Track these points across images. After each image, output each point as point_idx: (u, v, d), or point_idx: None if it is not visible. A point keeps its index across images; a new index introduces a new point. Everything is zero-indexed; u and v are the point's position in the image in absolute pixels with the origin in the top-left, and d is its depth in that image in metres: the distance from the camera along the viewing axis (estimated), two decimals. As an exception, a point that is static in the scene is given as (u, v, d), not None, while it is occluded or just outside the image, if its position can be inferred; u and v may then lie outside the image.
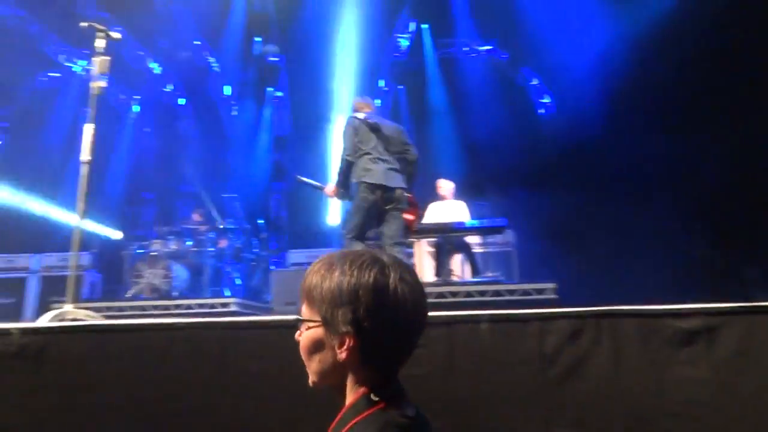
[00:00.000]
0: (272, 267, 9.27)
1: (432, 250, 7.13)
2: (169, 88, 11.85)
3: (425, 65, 10.83)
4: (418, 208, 5.44)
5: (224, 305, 6.89)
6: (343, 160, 4.64)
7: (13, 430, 1.78)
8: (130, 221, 9.54)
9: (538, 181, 8.73)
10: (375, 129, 4.64)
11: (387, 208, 4.53)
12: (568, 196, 8.23)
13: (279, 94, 11.30)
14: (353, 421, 1.03)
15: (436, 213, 7.12)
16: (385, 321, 1.06)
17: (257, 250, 9.40)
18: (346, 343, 1.05)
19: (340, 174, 4.69)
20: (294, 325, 1.12)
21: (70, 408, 1.87)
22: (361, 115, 4.75)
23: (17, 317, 6.90)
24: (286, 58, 10.96)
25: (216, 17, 9.83)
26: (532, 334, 1.73)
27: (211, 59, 10.99)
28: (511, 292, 5.81)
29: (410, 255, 7.58)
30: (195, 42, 10.43)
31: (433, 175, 7.59)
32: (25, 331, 1.86)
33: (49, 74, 11.23)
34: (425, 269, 7.22)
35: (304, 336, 1.12)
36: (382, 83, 11.17)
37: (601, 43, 8.82)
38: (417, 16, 10.68)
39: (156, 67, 11.27)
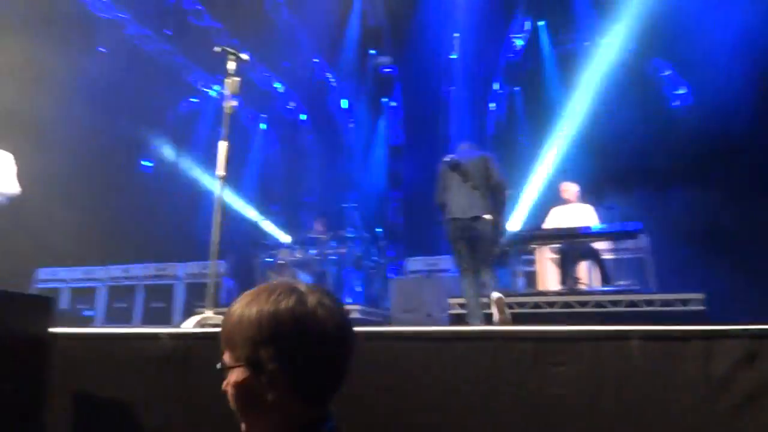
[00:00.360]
0: (390, 275, 9.39)
1: (555, 257, 6.74)
2: (291, 105, 12.60)
3: (542, 64, 10.38)
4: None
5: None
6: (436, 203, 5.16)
7: (165, 430, 1.92)
8: (260, 232, 10.23)
9: (674, 180, 7.92)
10: (455, 167, 5.06)
11: (470, 236, 4.81)
12: (710, 195, 7.36)
13: (393, 104, 11.47)
14: None
15: (560, 217, 6.73)
16: (310, 350, 1.01)
17: (376, 258, 9.59)
18: (276, 381, 1.00)
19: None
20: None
21: (213, 410, 1.97)
22: (448, 157, 5.21)
23: (168, 320, 7.65)
24: (400, 69, 11.11)
25: (332, 35, 10.25)
26: (694, 356, 1.50)
27: (329, 75, 11.47)
28: (649, 303, 5.30)
29: (530, 262, 7.26)
30: (314, 60, 10.96)
31: (556, 177, 7.21)
32: (172, 336, 2.01)
33: (190, 99, 12.48)
34: (548, 277, 6.85)
35: (232, 384, 1.05)
36: (496, 86, 10.91)
37: (745, 20, 7.81)
38: (532, 14, 10.29)
39: (279, 87, 12.04)
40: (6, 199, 4.69)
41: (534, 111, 10.50)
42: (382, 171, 11.16)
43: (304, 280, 8.03)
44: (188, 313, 7.57)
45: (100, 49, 10.09)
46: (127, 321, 7.75)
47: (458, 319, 5.66)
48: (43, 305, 2.14)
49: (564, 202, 6.84)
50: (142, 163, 12.42)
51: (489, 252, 4.83)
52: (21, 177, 5.08)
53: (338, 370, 1.06)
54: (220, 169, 3.24)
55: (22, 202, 5.75)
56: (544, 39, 10.36)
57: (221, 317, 3.04)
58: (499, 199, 4.99)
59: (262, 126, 13.27)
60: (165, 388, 2.03)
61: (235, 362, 1.04)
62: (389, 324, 6.81)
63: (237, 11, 9.38)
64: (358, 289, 8.65)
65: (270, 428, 1.03)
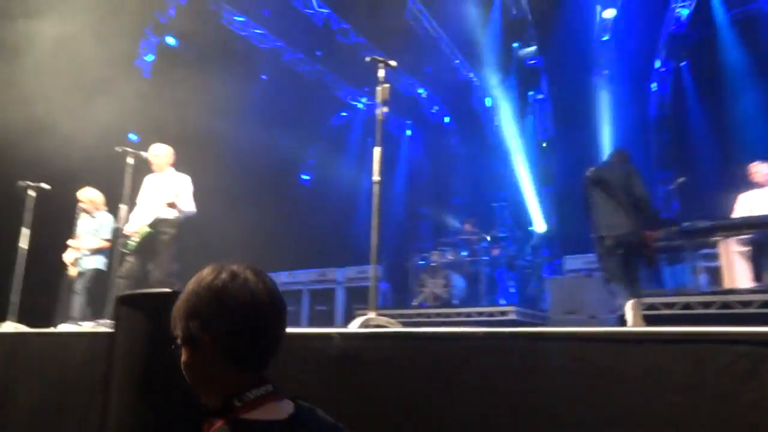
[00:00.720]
0: (545, 274, 8.96)
1: (745, 249, 5.84)
2: (435, 109, 12.71)
3: (715, 32, 9.13)
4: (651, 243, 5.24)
5: (503, 314, 6.89)
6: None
7: (343, 422, 2.01)
8: (411, 235, 10.44)
9: None
10: (596, 181, 4.98)
11: (617, 252, 4.72)
12: None
13: (540, 96, 10.97)
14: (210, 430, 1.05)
15: (751, 204, 5.83)
16: (230, 321, 1.09)
17: (530, 257, 9.22)
18: (208, 353, 1.09)
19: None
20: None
21: (384, 409, 2.01)
22: (589, 170, 5.11)
23: (331, 323, 8.13)
24: (545, 59, 10.59)
25: (473, 33, 10.11)
26: None
27: (471, 74, 11.34)
28: None
29: (713, 256, 6.37)
30: (455, 61, 10.93)
31: (739, 158, 6.27)
32: (344, 336, 2.10)
33: (341, 113, 13.25)
34: (736, 273, 5.95)
35: (182, 363, 1.14)
36: (657, 64, 9.87)
37: None
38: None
39: (423, 92, 12.21)
40: (183, 216, 5.31)
41: (706, 86, 9.30)
42: (533, 167, 10.70)
43: (456, 281, 8.00)
44: (349, 315, 7.98)
45: (262, 76, 11.16)
46: (296, 324, 8.39)
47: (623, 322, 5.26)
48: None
49: (755, 186, 5.91)
50: (302, 176, 13.47)
51: (637, 266, 4.80)
52: (203, 194, 5.76)
53: (264, 338, 1.13)
54: (376, 175, 3.33)
55: (204, 216, 6.54)
56: (716, 3, 9.12)
57: (385, 319, 3.13)
58: (645, 215, 4.87)
59: (408, 132, 13.59)
60: (340, 385, 2.12)
61: (179, 341, 1.14)
62: (546, 325, 6.48)
63: (379, 25, 9.72)
64: (512, 290, 8.39)
65: (216, 398, 1.11)
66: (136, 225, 5.15)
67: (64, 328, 5.14)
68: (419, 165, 13.29)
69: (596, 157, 9.58)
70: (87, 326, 5.18)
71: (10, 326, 4.84)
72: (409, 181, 12.78)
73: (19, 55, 6.27)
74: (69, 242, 5.94)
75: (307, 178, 13.58)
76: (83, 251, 5.84)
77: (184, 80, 9.07)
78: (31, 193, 5.37)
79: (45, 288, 6.25)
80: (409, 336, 2.02)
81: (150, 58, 9.50)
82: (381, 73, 3.50)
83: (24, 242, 5.29)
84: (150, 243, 5.07)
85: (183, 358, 1.14)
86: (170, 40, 9.56)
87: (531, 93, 10.96)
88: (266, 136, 10.61)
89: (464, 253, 8.59)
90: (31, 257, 5.32)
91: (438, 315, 7.39)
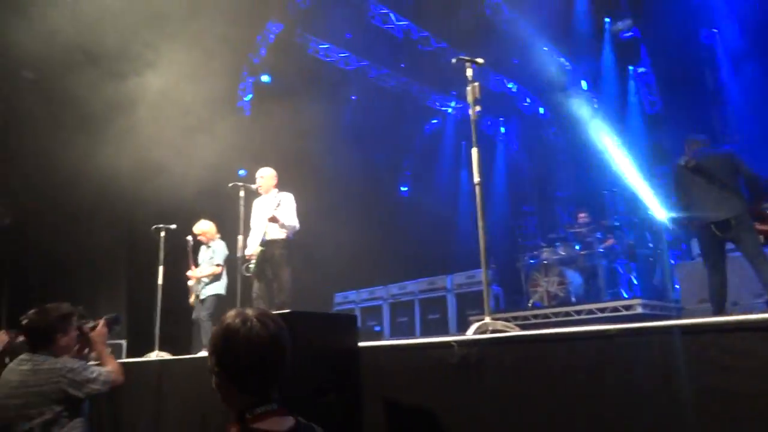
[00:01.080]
0: (672, 261, 8.21)
1: None
2: (527, 102, 12.29)
3: None
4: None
5: (628, 308, 6.43)
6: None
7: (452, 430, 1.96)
8: (518, 234, 10.10)
9: None
10: (696, 170, 4.85)
11: (728, 237, 4.70)
12: None
13: (641, 70, 10.20)
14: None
15: None
16: (237, 358, 1.41)
17: (651, 244, 8.51)
18: (222, 380, 1.43)
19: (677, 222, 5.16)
20: None
21: (508, 413, 1.93)
22: (683, 160, 4.99)
23: (444, 330, 8.06)
24: (642, 29, 9.84)
25: (558, 15, 9.67)
26: None
27: (562, 59, 10.84)
28: None
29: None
30: (544, 49, 10.49)
31: None
32: (461, 344, 2.05)
33: (432, 121, 13.26)
34: None
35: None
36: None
37: None
38: None
39: (513, 87, 11.86)
40: (292, 235, 5.54)
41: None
42: (642, 145, 9.94)
43: (572, 277, 7.59)
44: (462, 322, 7.86)
45: (352, 97, 11.49)
46: (409, 333, 8.41)
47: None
48: (351, 323, 2.45)
49: None
50: (400, 188, 13.61)
51: (756, 246, 4.65)
52: (310, 215, 6.00)
53: (263, 371, 1.43)
54: (476, 176, 3.26)
55: (312, 236, 6.81)
56: None
57: (501, 323, 3.03)
58: (756, 189, 4.78)
59: (502, 129, 13.26)
60: (462, 393, 2.07)
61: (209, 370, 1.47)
62: (680, 317, 5.93)
63: (459, 26, 9.63)
64: (635, 281, 7.78)
65: (234, 411, 1.42)
66: (252, 248, 5.47)
67: (202, 353, 5.57)
68: (517, 161, 12.90)
69: (713, 126, 8.72)
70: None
71: (155, 355, 5.33)
72: (509, 179, 12.43)
73: (135, 107, 6.97)
74: (188, 273, 6.45)
75: (405, 189, 13.69)
76: (202, 279, 6.30)
77: (281, 112, 9.58)
78: (162, 234, 5.89)
79: (180, 318, 6.84)
80: (535, 339, 1.92)
81: (248, 97, 10.15)
82: (469, 72, 3.44)
83: (160, 279, 5.82)
84: (265, 263, 5.36)
85: (212, 382, 1.47)
86: (265, 78, 10.17)
87: (631, 68, 10.22)
88: (362, 153, 10.89)
89: (577, 247, 8.14)
90: (165, 291, 5.84)
91: (556, 315, 7.06)
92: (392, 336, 8.59)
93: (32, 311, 2.64)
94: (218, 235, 6.57)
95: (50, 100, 6.69)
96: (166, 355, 5.22)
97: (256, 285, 5.40)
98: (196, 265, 6.47)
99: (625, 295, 7.32)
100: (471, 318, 7.32)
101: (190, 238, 6.38)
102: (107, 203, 7.76)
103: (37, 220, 7.42)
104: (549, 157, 12.14)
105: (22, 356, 2.62)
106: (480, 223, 3.17)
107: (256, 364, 1.42)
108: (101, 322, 2.99)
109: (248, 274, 5.38)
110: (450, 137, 12.71)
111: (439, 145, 12.86)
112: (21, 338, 3.54)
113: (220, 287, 6.30)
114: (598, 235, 8.02)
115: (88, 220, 7.67)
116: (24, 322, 2.65)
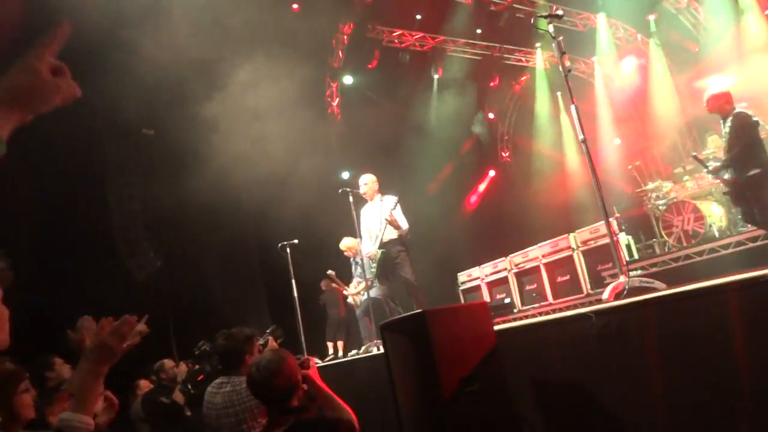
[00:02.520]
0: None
1: None
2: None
3: None
4: None
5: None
6: None
7: (610, 401, 1.89)
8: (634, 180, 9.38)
9: None
10: None
11: None
12: None
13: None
14: None
15: None
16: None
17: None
18: None
19: None
20: None
21: (650, 379, 1.84)
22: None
23: (578, 290, 7.72)
24: None
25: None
26: None
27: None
28: None
29: None
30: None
31: None
32: (600, 313, 1.97)
33: (521, 79, 12.75)
34: None
35: None
36: None
37: None
38: None
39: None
40: (406, 233, 5.61)
41: None
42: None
43: (712, 210, 6.91)
44: (594, 279, 7.47)
45: (434, 75, 11.39)
46: (541, 299, 8.17)
47: None
48: (483, 308, 2.46)
49: None
50: (503, 154, 13.27)
51: None
52: (413, 204, 6.06)
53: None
54: (580, 133, 3.11)
55: (425, 219, 6.87)
56: None
57: (639, 279, 2.87)
58: None
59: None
60: (605, 365, 2.00)
61: None
62: None
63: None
64: None
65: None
66: (369, 251, 5.65)
67: (351, 355, 5.90)
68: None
69: None
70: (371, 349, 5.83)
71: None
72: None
73: (236, 135, 7.53)
74: (344, 292, 7.14)
75: (507, 154, 13.34)
76: (360, 293, 6.77)
77: (369, 107, 9.78)
78: (288, 250, 6.28)
79: (318, 325, 7.30)
80: (677, 296, 1.79)
81: (335, 101, 10.46)
82: (551, 27, 3.28)
83: (295, 291, 6.23)
84: (386, 263, 5.51)
85: None
86: (347, 80, 10.41)
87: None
88: (456, 130, 10.78)
89: (709, 177, 7.37)
90: (301, 302, 6.25)
91: (699, 254, 6.49)
92: (524, 305, 8.41)
93: (220, 338, 2.91)
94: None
95: (167, 152, 7.42)
96: (319, 362, 5.58)
97: (381, 287, 5.59)
98: (348, 282, 7.10)
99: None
100: (604, 273, 6.99)
101: (330, 271, 7.26)
102: (237, 231, 8.47)
103: (181, 258, 8.28)
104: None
105: (220, 380, 2.89)
106: (593, 179, 3.01)
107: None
108: (269, 339, 3.17)
109: (372, 279, 5.60)
110: (543, 91, 12.15)
111: (532, 101, 12.34)
112: (197, 367, 3.97)
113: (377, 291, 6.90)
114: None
115: (221, 250, 8.42)
116: (217, 346, 2.94)
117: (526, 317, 6.87)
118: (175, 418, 4.41)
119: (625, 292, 2.70)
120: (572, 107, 3.13)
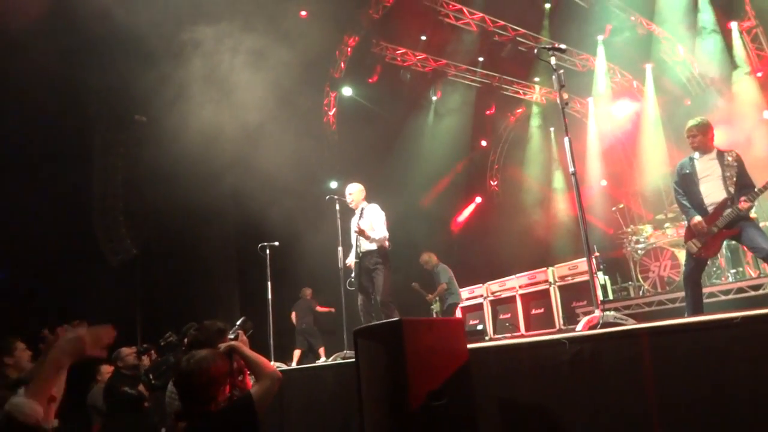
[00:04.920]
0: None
1: None
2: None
3: None
4: None
5: (756, 288, 5.85)
6: None
7: (571, 428, 1.91)
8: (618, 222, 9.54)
9: None
10: None
11: None
12: None
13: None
14: None
15: None
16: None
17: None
18: None
19: None
20: None
21: (621, 408, 1.86)
22: None
23: (551, 324, 7.78)
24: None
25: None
26: None
27: (652, 28, 10.13)
28: None
29: None
30: (630, 19, 9.86)
31: None
32: (573, 340, 1.99)
33: (517, 111, 12.95)
34: None
35: None
36: None
37: None
38: None
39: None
40: (383, 244, 5.32)
41: None
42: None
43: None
44: (568, 314, 7.54)
45: (433, 97, 11.53)
46: (514, 330, 8.20)
47: None
48: (458, 326, 2.46)
49: None
50: (490, 183, 13.42)
51: None
52: (398, 219, 6.06)
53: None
54: (571, 166, 3.16)
55: (406, 237, 6.87)
56: None
57: (613, 314, 2.91)
58: None
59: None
60: (575, 391, 2.02)
61: None
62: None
63: (536, 6, 9.32)
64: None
65: None
66: (349, 261, 5.54)
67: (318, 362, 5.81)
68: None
69: None
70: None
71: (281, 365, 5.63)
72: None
73: (231, 133, 7.51)
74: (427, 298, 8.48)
75: (495, 183, 13.49)
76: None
77: (364, 120, 9.84)
78: (268, 251, 6.23)
79: (286, 331, 7.22)
80: (653, 331, 1.83)
81: (332, 111, 10.51)
82: (552, 60, 3.35)
83: (270, 294, 6.16)
84: (362, 275, 5.33)
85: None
86: (347, 91, 10.48)
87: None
88: (448, 151, 10.89)
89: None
90: (274, 306, 6.18)
91: (672, 301, 6.59)
92: (496, 333, 8.43)
93: (191, 329, 2.88)
94: (440, 262, 8.29)
95: (158, 139, 7.36)
96: (283, 366, 5.50)
97: (359, 298, 5.38)
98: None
99: (752, 274, 6.67)
100: (578, 310, 7.04)
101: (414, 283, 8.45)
102: (216, 227, 8.39)
103: (158, 249, 8.16)
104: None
105: None
106: (579, 213, 3.06)
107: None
108: (239, 333, 3.12)
109: (351, 288, 5.43)
110: (537, 126, 12.37)
111: (526, 134, 12.54)
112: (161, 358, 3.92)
113: (455, 298, 8.30)
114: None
115: (200, 246, 8.33)
116: (187, 336, 2.90)
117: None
118: (135, 408, 4.33)
119: (599, 325, 2.74)
120: (566, 139, 3.19)
